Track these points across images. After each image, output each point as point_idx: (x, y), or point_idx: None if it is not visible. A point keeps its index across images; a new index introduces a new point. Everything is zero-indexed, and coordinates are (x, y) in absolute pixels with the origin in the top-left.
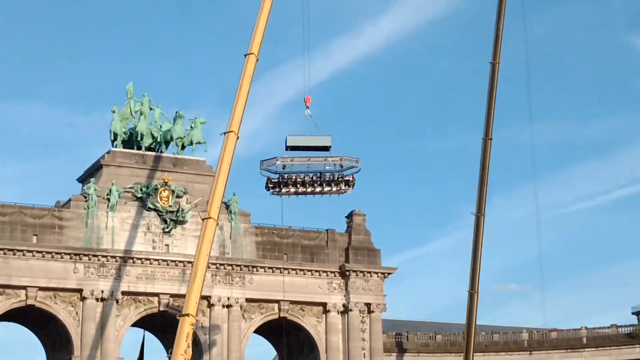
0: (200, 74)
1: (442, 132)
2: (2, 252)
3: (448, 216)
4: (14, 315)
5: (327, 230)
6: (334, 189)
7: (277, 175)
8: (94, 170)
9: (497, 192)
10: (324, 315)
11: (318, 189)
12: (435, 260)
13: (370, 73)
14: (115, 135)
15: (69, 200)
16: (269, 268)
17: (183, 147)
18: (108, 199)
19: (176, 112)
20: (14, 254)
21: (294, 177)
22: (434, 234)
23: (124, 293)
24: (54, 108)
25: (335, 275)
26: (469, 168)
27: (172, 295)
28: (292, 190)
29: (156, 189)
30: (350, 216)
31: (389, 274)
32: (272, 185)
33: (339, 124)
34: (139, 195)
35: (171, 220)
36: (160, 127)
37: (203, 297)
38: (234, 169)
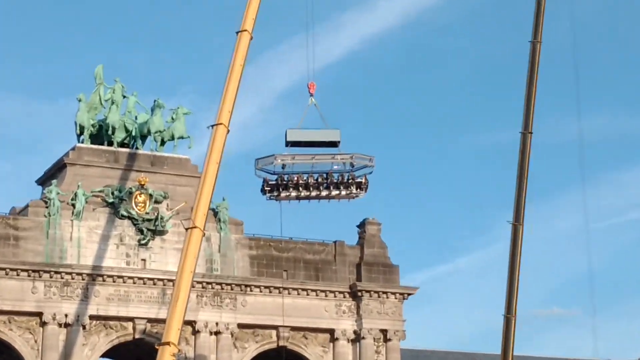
0: (184, 55)
1: (472, 125)
2: None
3: (480, 226)
4: None
5: (334, 242)
6: (344, 192)
7: (275, 177)
8: (56, 171)
9: (539, 197)
10: (332, 344)
11: (324, 193)
12: (464, 279)
13: (386, 55)
14: (82, 128)
15: (27, 206)
16: (266, 287)
17: (163, 142)
18: (73, 205)
19: (154, 101)
20: None
21: (296, 178)
22: (462, 248)
23: (92, 317)
24: (8, 96)
25: (344, 296)
26: (504, 168)
27: (149, 320)
28: (293, 194)
29: (130, 193)
30: (362, 225)
31: (409, 294)
32: (269, 189)
33: (349, 116)
34: (110, 200)
35: (148, 230)
36: (136, 118)
37: (187, 323)
38: (223, 169)
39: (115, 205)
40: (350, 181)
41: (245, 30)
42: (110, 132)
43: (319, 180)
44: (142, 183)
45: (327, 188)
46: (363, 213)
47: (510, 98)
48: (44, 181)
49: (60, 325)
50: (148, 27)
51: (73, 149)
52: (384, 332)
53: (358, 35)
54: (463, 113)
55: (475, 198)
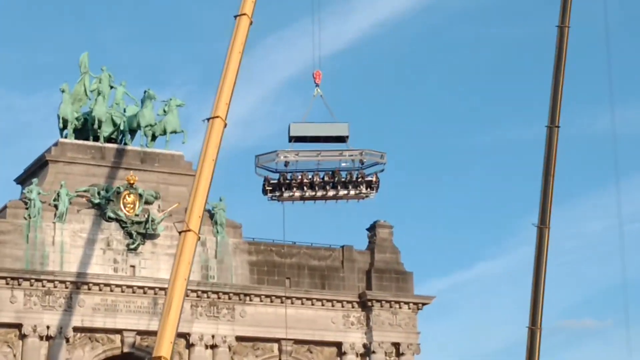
0: (177, 41)
1: (493, 119)
2: None
3: (502, 229)
4: None
5: (342, 247)
6: (352, 192)
7: (277, 175)
8: (37, 168)
9: (567, 198)
10: (339, 358)
11: (331, 193)
12: (485, 287)
13: (399, 42)
14: (65, 122)
15: (4, 207)
16: (267, 297)
17: (154, 137)
18: (55, 206)
19: (145, 92)
20: None
21: (300, 177)
22: (483, 253)
23: (76, 329)
24: None
25: (353, 306)
26: (529, 165)
27: (139, 332)
28: (297, 194)
29: (118, 193)
30: (373, 228)
31: (423, 304)
32: (270, 188)
33: (359, 108)
34: (96, 200)
35: (138, 233)
36: (124, 111)
37: (180, 335)
38: (220, 167)
39: (102, 207)
40: (359, 180)
41: (245, 14)
42: (96, 126)
43: (325, 179)
44: (131, 182)
45: (334, 187)
46: (373, 215)
47: (535, 89)
48: (23, 180)
49: (41, 337)
50: (137, 11)
51: (55, 144)
52: (396, 345)
53: (369, 20)
54: (484, 105)
55: (497, 198)
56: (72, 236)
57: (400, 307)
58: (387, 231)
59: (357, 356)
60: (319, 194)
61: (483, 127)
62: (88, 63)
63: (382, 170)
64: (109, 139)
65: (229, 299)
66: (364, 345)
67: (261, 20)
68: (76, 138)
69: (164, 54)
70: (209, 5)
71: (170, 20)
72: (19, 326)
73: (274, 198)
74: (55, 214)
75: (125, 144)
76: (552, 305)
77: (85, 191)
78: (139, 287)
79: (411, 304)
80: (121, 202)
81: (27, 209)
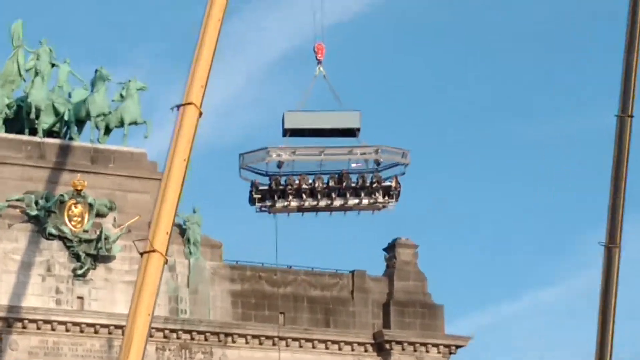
0: (137, 6)
1: (543, 107)
2: None
3: (558, 249)
4: None
5: (352, 272)
6: (365, 201)
7: (268, 179)
8: None
9: (637, 207)
10: None
11: (338, 202)
12: (535, 324)
13: (423, 7)
14: None
15: None
16: (254, 337)
17: (108, 130)
18: None
19: (96, 71)
20: None
21: (297, 181)
22: (532, 280)
23: None
24: None
25: (366, 350)
26: (593, 167)
27: None
28: (294, 204)
29: (62, 202)
30: (392, 249)
31: (457, 347)
32: (259, 196)
33: (372, 92)
34: (33, 212)
35: (87, 255)
36: (69, 96)
37: None
38: (196, 168)
39: (41, 220)
40: (374, 185)
41: None
42: (33, 115)
43: (331, 184)
44: (79, 188)
45: (342, 195)
46: (393, 231)
47: (599, 69)
48: None
49: None
50: None
51: None
52: None
53: None
54: (531, 89)
55: (552, 209)
56: (3, 259)
57: (427, 351)
58: (410, 252)
59: None
60: (322, 203)
61: (531, 116)
62: (22, 34)
63: (404, 174)
64: (49, 133)
65: (206, 340)
66: None
67: None
68: (7, 131)
69: (120, 23)
70: None
71: None
72: None
73: (263, 209)
74: None
75: (71, 138)
76: (623, 341)
77: (19, 200)
78: (89, 325)
79: (441, 347)
80: (66, 214)
81: None
